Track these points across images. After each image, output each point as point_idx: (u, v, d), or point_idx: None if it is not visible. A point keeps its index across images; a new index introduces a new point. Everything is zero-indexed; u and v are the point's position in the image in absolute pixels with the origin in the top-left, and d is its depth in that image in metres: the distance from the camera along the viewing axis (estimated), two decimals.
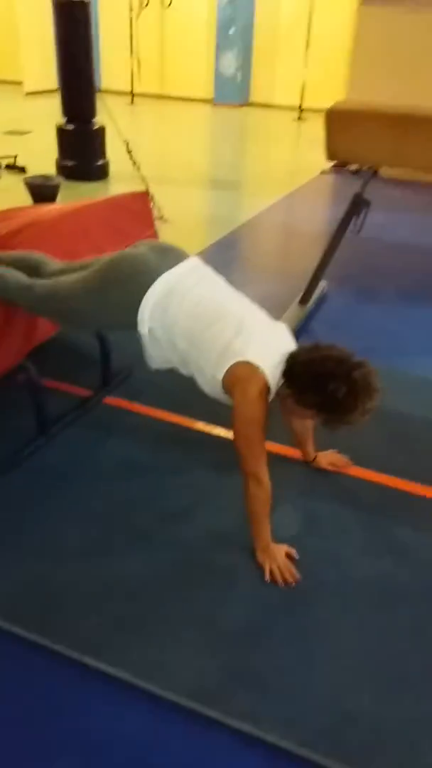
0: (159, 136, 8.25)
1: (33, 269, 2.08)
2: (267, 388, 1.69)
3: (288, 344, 1.82)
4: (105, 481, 2.09)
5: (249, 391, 1.68)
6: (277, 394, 1.76)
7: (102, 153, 5.68)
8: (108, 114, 4.79)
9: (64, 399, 2.44)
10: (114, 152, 5.86)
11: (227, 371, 1.70)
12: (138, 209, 2.74)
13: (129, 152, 4.50)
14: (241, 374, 1.69)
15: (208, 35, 9.88)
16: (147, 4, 6.94)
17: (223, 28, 9.57)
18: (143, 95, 10.21)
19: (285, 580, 1.72)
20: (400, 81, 5.91)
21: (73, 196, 5.22)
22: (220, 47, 9.72)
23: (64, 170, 5.52)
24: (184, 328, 1.77)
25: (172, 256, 1.88)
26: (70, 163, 5.57)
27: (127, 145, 4.53)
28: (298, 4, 9.31)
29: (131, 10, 9.39)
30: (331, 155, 2.85)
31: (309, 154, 7.39)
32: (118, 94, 9.70)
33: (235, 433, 1.72)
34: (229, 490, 2.01)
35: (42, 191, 4.77)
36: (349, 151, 2.80)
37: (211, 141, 8.48)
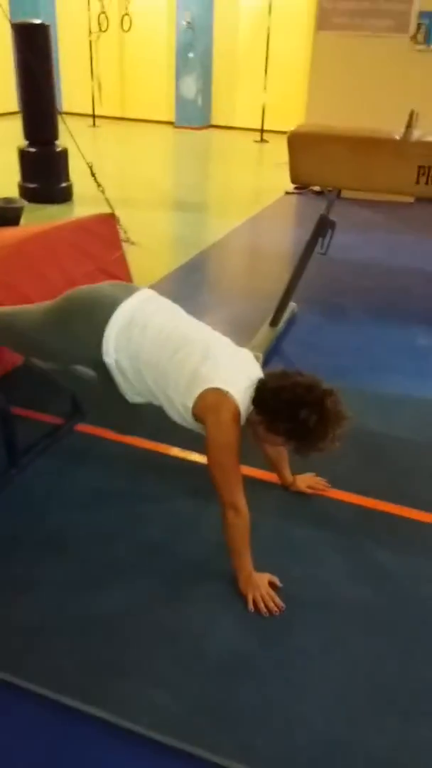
0: (122, 158, 8.25)
1: None
2: (238, 414, 1.67)
3: (254, 370, 1.81)
4: (80, 512, 2.03)
5: (221, 418, 1.65)
6: (248, 420, 1.74)
7: (65, 175, 5.65)
8: (71, 136, 4.77)
9: (34, 427, 2.38)
10: (77, 174, 5.85)
11: (197, 398, 1.68)
12: (104, 231, 2.71)
13: (93, 175, 4.49)
14: (211, 401, 1.67)
15: (167, 59, 9.98)
16: (107, 29, 6.96)
17: (182, 52, 9.67)
18: (105, 117, 10.23)
19: (269, 610, 1.69)
20: (357, 103, 6.06)
21: (36, 219, 5.17)
22: (180, 71, 9.81)
23: (26, 193, 5.47)
24: (149, 357, 1.75)
25: (126, 288, 1.89)
26: (32, 186, 5.53)
27: (91, 167, 4.52)
28: (255, 30, 9.48)
29: (90, 33, 9.45)
30: (294, 178, 2.88)
31: (272, 175, 7.48)
32: (80, 116, 9.69)
33: (209, 462, 1.69)
34: (207, 518, 1.98)
35: (5, 214, 4.70)
36: (312, 174, 2.83)
37: (174, 163, 8.53)
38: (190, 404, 1.69)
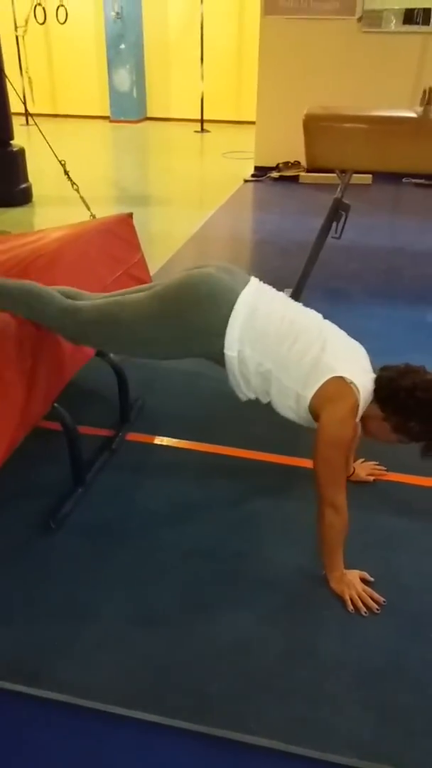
0: (67, 156, 7.95)
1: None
2: (357, 408, 1.60)
3: (367, 362, 1.74)
4: (161, 528, 1.91)
5: (339, 410, 1.58)
6: (364, 414, 1.66)
7: (24, 176, 5.40)
8: (41, 134, 4.59)
9: (83, 441, 2.24)
10: (35, 175, 5.60)
11: (319, 388, 1.60)
12: (124, 233, 2.58)
13: (66, 173, 4.30)
14: (332, 391, 1.59)
15: (98, 52, 9.71)
16: (44, 22, 6.67)
17: (113, 44, 9.42)
18: (37, 115, 9.82)
19: (368, 607, 1.63)
20: (307, 86, 6.07)
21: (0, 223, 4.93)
22: (113, 63, 9.56)
23: None
24: (270, 347, 1.64)
25: (238, 275, 1.75)
26: None
27: (64, 165, 4.33)
28: (186, 19, 9.35)
29: (17, 27, 9.08)
30: (311, 162, 2.82)
31: (223, 164, 7.42)
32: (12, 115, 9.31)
33: (316, 456, 1.60)
34: (290, 518, 1.94)
35: None
36: (329, 157, 2.78)
37: (121, 158, 8.30)
38: (310, 394, 1.61)
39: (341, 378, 1.58)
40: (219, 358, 1.68)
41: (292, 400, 1.66)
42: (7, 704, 1.42)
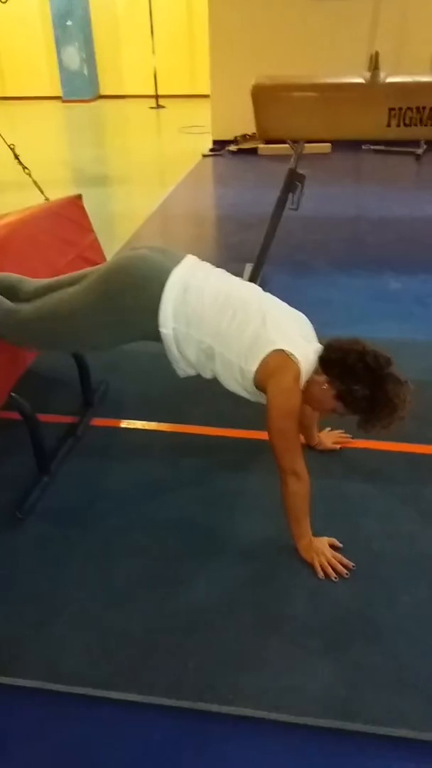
0: (18, 140, 7.75)
1: (8, 290, 1.85)
2: (300, 377, 1.61)
3: (311, 331, 1.76)
4: (129, 509, 1.91)
5: (283, 382, 1.59)
6: (307, 382, 1.67)
7: None
8: None
9: (47, 429, 2.21)
10: None
11: (261, 362, 1.61)
12: (74, 215, 2.52)
13: (16, 157, 4.18)
14: (275, 364, 1.60)
15: (44, 30, 9.45)
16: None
17: (59, 21, 9.17)
18: None
19: (338, 573, 1.66)
20: (260, 54, 5.99)
21: None
22: (61, 41, 9.31)
23: None
24: (208, 323, 1.64)
25: (171, 254, 1.75)
26: None
27: (13, 149, 4.21)
28: None
29: None
30: (262, 133, 2.78)
31: (181, 140, 7.31)
32: None
33: (269, 429, 1.62)
34: (259, 491, 1.94)
35: None
36: (280, 127, 2.74)
37: (75, 138, 8.13)
38: (253, 368, 1.62)
39: (281, 351, 1.59)
40: (157, 337, 1.68)
41: (237, 373, 1.66)
42: None
